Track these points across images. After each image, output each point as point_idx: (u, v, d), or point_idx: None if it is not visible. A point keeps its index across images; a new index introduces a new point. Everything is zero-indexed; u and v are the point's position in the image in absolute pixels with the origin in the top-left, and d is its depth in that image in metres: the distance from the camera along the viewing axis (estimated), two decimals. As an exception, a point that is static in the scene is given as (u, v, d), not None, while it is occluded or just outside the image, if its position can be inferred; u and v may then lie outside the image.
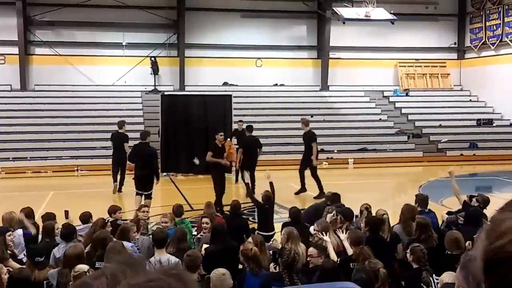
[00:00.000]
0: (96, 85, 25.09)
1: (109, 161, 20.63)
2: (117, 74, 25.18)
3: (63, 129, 22.19)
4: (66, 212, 8.45)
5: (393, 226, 7.93)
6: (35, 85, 24.88)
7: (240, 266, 6.85)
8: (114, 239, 6.63)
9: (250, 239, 6.95)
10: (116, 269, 1.01)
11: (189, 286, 1.00)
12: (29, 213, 8.32)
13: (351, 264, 6.18)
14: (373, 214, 8.41)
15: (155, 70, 24.92)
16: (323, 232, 6.91)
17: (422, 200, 8.63)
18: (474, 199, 8.45)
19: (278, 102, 25.36)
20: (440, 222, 8.63)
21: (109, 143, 21.46)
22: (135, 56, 25.32)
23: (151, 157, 12.36)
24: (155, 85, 25.11)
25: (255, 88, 26.01)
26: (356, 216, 8.50)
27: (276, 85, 26.97)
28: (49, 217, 8.25)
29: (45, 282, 6.04)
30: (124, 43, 25.51)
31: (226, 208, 12.37)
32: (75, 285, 1.04)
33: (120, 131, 15.80)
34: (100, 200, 13.30)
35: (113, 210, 8.74)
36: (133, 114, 23.53)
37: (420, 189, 15.53)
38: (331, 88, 27.41)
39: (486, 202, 8.52)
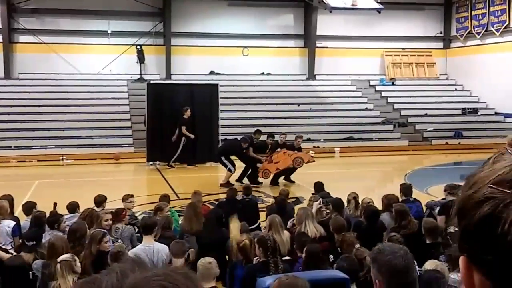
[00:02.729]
0: (81, 74, 24.89)
1: (94, 150, 20.68)
2: (102, 63, 24.98)
3: (48, 118, 22.02)
4: (55, 205, 8.41)
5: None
6: (19, 73, 24.60)
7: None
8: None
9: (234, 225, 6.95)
10: (126, 266, 1.06)
11: (198, 285, 1.04)
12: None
13: (338, 249, 6.25)
14: (359, 202, 8.48)
15: (141, 58, 24.76)
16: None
17: (406, 188, 8.70)
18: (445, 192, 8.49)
19: (265, 91, 25.35)
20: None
21: (94, 132, 21.49)
22: (120, 45, 25.12)
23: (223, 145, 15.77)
24: (141, 74, 24.96)
25: (241, 77, 25.95)
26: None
27: (262, 74, 26.93)
28: (29, 206, 8.20)
29: (30, 272, 6.02)
30: (109, 31, 25.29)
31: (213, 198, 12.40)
32: (85, 280, 1.07)
33: (184, 116, 17.79)
34: (86, 189, 13.22)
35: (98, 201, 8.67)
36: (118, 103, 23.42)
37: (405, 177, 15.66)
38: (317, 77, 27.43)
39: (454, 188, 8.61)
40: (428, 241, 6.21)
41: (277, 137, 15.57)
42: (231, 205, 9.06)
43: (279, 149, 15.05)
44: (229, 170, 14.59)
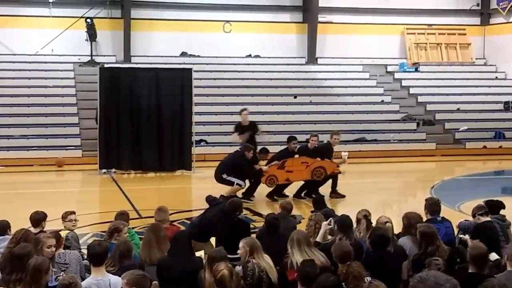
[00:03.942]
0: (14, 55, 24.77)
1: (31, 153, 20.55)
2: (42, 41, 24.87)
3: (-29, 111, 21.92)
4: None
5: (398, 238, 8.01)
6: None
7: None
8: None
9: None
10: None
11: None
12: None
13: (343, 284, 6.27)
14: (373, 222, 8.49)
15: (91, 35, 24.70)
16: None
17: (432, 204, 8.71)
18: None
19: (252, 79, 25.37)
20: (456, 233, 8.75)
21: (30, 131, 21.35)
22: (65, 17, 25.02)
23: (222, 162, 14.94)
24: (91, 55, 24.89)
25: (222, 60, 25.95)
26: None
27: (249, 56, 26.96)
28: None
29: None
30: (51, 0, 25.20)
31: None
32: None
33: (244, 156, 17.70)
34: (20, 204, 13.16)
35: (36, 219, 8.61)
36: (62, 93, 23.31)
37: (432, 190, 15.74)
38: (320, 61, 27.50)
39: (494, 207, 8.64)
40: (471, 270, 6.21)
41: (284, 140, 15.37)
42: (223, 222, 9.03)
43: (297, 155, 14.58)
44: (238, 184, 14.40)
